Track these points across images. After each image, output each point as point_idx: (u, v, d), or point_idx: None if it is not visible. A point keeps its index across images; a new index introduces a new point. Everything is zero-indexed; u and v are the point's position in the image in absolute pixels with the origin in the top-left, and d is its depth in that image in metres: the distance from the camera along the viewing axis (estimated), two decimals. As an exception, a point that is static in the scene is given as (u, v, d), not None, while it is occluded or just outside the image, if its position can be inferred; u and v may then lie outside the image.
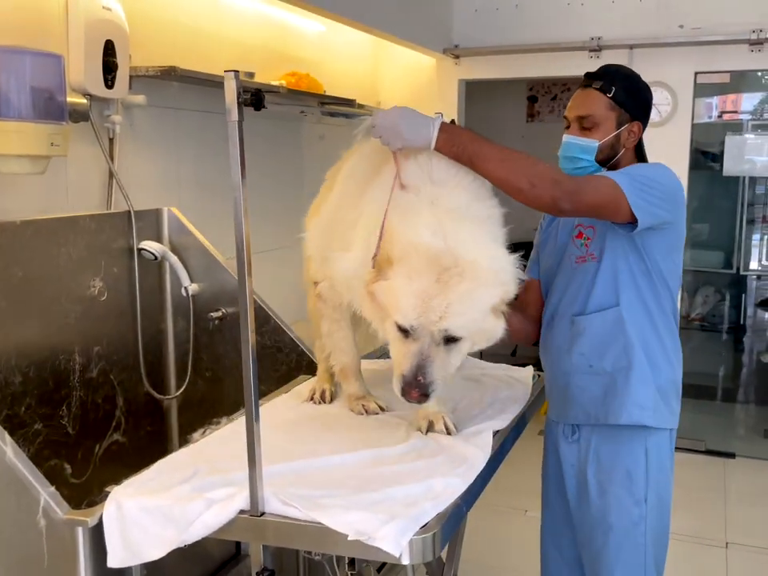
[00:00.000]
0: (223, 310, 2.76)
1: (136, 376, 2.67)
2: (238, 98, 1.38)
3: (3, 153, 2.10)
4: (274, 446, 1.79)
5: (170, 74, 2.76)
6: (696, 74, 4.50)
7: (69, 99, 2.40)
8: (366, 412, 2.06)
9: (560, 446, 2.18)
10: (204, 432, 2.03)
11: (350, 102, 4.14)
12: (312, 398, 2.19)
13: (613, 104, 2.03)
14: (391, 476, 1.65)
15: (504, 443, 1.89)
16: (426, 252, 1.65)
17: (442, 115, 1.85)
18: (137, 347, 2.66)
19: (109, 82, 2.58)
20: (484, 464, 1.71)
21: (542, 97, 6.45)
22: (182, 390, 2.80)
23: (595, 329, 2.06)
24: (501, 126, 6.47)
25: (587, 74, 2.09)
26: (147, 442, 2.74)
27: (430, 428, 1.89)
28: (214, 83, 2.99)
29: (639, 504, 2.05)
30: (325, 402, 2.17)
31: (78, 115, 2.48)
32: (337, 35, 4.32)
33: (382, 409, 2.08)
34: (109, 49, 2.57)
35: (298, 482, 1.62)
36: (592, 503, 2.09)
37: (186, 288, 2.72)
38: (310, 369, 2.58)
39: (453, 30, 4.84)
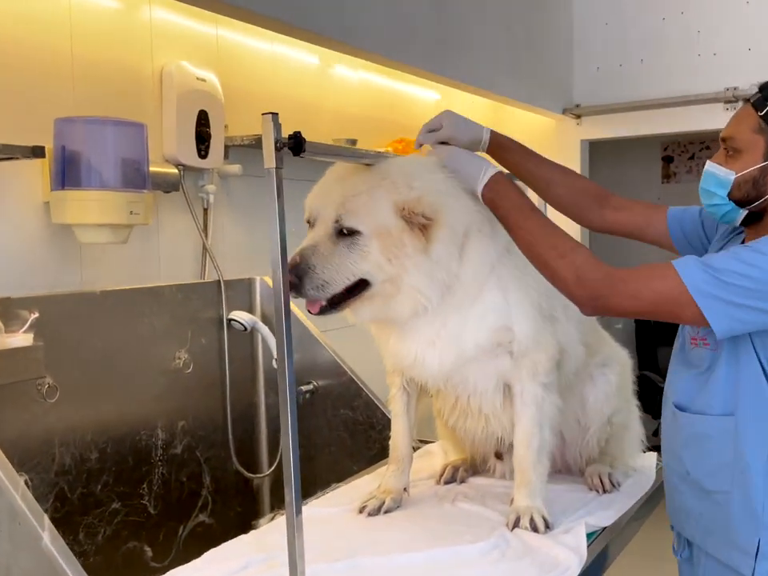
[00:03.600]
0: (315, 383, 2.61)
1: (225, 453, 2.55)
2: (275, 143, 1.25)
3: (83, 222, 2.08)
4: (339, 536, 1.62)
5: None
6: None
7: (160, 169, 2.39)
8: (366, 510, 1.77)
9: (678, 562, 1.77)
10: (273, 516, 1.86)
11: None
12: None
13: (763, 125, 1.53)
14: (466, 581, 1.40)
15: (609, 545, 1.59)
16: (340, 165, 1.71)
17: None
18: (225, 422, 2.54)
19: (202, 152, 2.56)
20: (579, 571, 1.42)
21: (678, 156, 6.07)
22: (273, 467, 2.66)
23: (697, 433, 1.61)
24: (633, 188, 6.14)
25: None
26: (236, 523, 2.59)
27: (516, 524, 1.62)
28: (323, 152, 2.93)
29: None
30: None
31: (169, 185, 2.46)
32: (452, 101, 4.23)
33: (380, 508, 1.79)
34: (202, 119, 2.55)
35: (358, 584, 1.41)
36: None
37: (276, 360, 2.60)
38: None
39: (573, 89, 4.64)
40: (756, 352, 1.53)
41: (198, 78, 2.55)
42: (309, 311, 1.66)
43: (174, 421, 2.36)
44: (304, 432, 2.65)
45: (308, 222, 1.69)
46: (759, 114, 1.54)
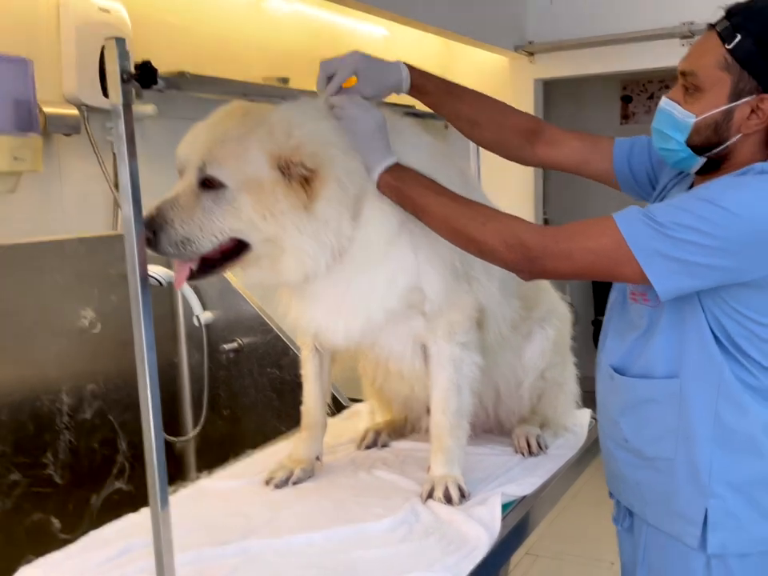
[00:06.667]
0: (239, 341, 2.46)
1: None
2: (121, 74, 1.07)
3: (-40, 170, 1.88)
4: (236, 513, 1.49)
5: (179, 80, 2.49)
6: (810, 55, 3.89)
7: (58, 110, 2.18)
8: (272, 482, 1.63)
9: (617, 531, 1.64)
10: (175, 489, 1.71)
11: (410, 108, 3.80)
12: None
13: (730, 60, 1.29)
14: (365, 565, 1.27)
15: (527, 516, 1.47)
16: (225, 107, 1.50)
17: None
18: (142, 383, 2.38)
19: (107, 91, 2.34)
20: (488, 549, 1.30)
21: (636, 96, 5.88)
22: (197, 430, 2.51)
23: (636, 399, 1.45)
24: (591, 129, 5.93)
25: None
26: (158, 489, 2.46)
27: (431, 495, 1.49)
28: (235, 90, 2.72)
29: None
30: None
31: (70, 128, 2.24)
32: (400, 36, 4.00)
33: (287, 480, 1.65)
34: (107, 55, 2.33)
35: (247, 571, 1.27)
36: None
37: (197, 317, 2.44)
38: (336, 405, 2.25)
39: (526, 25, 4.42)
40: (703, 309, 1.35)
41: (100, 9, 2.32)
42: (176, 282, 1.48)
43: (81, 384, 2.19)
44: (231, 392, 2.53)
45: (180, 173, 1.48)
46: (726, 47, 1.29)
